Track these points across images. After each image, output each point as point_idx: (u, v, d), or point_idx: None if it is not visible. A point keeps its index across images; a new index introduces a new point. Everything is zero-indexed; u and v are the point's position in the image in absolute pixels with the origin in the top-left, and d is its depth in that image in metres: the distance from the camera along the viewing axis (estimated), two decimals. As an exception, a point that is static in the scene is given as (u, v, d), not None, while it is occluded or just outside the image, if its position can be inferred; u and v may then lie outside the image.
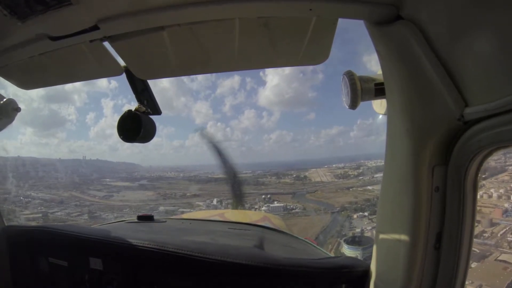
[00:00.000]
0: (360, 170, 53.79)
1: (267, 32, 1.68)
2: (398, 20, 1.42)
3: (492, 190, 26.96)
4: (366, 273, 2.05)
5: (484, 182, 26.94)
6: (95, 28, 1.60)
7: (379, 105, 1.98)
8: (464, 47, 1.23)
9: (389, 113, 1.70)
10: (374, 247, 1.95)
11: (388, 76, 1.63)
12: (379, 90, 1.82)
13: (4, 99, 2.61)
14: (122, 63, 2.08)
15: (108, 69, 2.15)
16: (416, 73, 1.41)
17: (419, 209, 1.53)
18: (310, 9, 1.46)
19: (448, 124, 1.40)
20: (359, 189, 50.71)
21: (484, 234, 23.45)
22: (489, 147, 1.33)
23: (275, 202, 49.70)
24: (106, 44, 1.83)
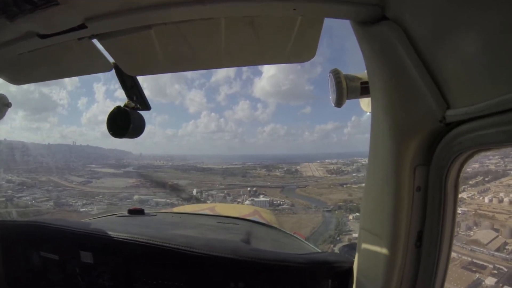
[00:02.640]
0: (354, 167, 52.65)
1: (253, 30, 1.72)
2: (383, 20, 1.45)
3: (501, 194, 25.90)
4: (351, 269, 2.11)
5: (488, 185, 26.45)
6: (83, 26, 1.63)
7: (367, 104, 2.01)
8: (447, 49, 1.26)
9: (373, 112, 1.73)
10: (358, 244, 2.00)
11: (372, 75, 1.67)
12: (365, 89, 1.85)
13: None
14: (111, 59, 2.10)
15: (97, 66, 2.18)
16: (400, 73, 1.44)
17: (400, 208, 1.57)
18: (294, 9, 1.49)
19: (430, 125, 1.43)
20: (353, 186, 49.21)
21: (507, 247, 22.18)
22: (470, 149, 1.35)
23: (261, 196, 48.50)
24: (95, 41, 1.86)
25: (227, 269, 2.29)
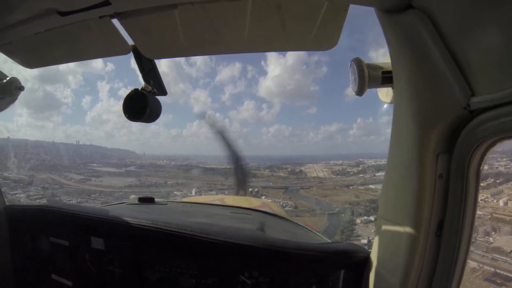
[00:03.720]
0: (360, 168, 51.81)
1: (279, 14, 1.73)
2: (409, 9, 1.47)
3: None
4: (366, 260, 2.14)
5: (500, 187, 25.98)
6: (106, 3, 1.61)
7: (385, 94, 2.05)
8: (473, 37, 1.28)
9: (396, 100, 1.77)
10: (376, 233, 2.03)
11: (397, 63, 1.70)
12: (386, 78, 1.87)
13: (8, 78, 2.63)
14: (130, 42, 2.10)
15: (115, 48, 2.18)
16: (424, 62, 1.47)
17: (422, 195, 1.60)
18: None
19: (454, 113, 1.45)
20: (360, 187, 48.08)
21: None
22: (493, 136, 1.38)
23: (263, 197, 45.70)
24: (115, 21, 1.85)
25: (242, 257, 2.30)
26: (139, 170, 58.50)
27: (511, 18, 1.12)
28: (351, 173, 52.74)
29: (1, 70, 2.66)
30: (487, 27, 1.22)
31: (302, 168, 57.86)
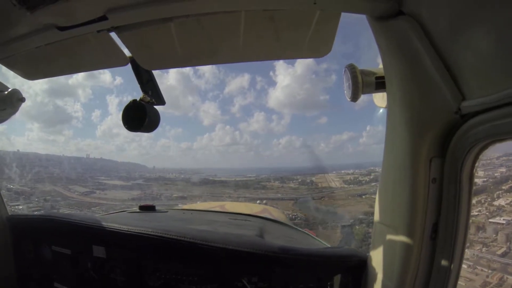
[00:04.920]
0: (372, 176, 49.92)
1: (272, 24, 1.79)
2: (400, 15, 1.53)
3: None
4: (364, 263, 2.19)
5: None
6: (103, 18, 1.69)
7: (380, 99, 2.10)
8: (463, 42, 1.33)
9: (389, 105, 1.82)
10: (372, 238, 2.08)
11: (389, 69, 1.75)
12: (380, 84, 1.94)
13: (9, 89, 2.72)
14: (128, 53, 2.18)
15: (113, 60, 2.25)
16: (416, 67, 1.53)
17: (416, 200, 1.64)
18: (315, 3, 1.56)
19: (445, 117, 1.51)
20: (373, 196, 44.34)
21: None
22: (485, 140, 1.43)
23: None
24: (113, 34, 1.93)
25: (242, 263, 2.34)
26: (146, 183, 58.43)
27: (500, 23, 1.17)
28: (363, 182, 51.47)
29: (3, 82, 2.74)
30: (477, 32, 1.26)
31: (313, 179, 57.05)
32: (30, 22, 1.79)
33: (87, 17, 1.70)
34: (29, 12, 1.60)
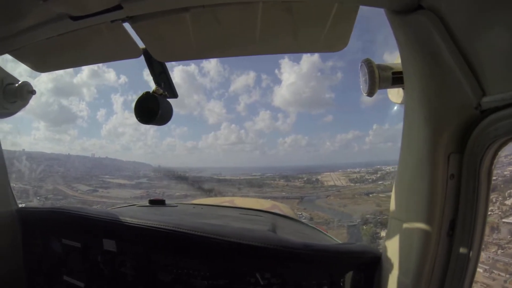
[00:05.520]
0: (378, 175, 50.19)
1: (290, 17, 1.79)
2: (419, 9, 1.52)
3: None
4: (377, 260, 2.19)
5: None
6: (118, 7, 1.68)
7: (396, 95, 2.10)
8: (483, 37, 1.33)
9: (407, 100, 1.82)
10: (387, 234, 2.07)
11: (407, 64, 1.74)
12: (396, 79, 1.93)
13: (19, 82, 2.75)
14: (141, 45, 2.17)
15: (126, 51, 2.25)
16: (435, 62, 1.52)
17: (434, 196, 1.64)
18: None
19: (465, 113, 1.51)
20: (381, 195, 45.36)
21: None
22: (505, 136, 1.42)
23: None
24: (126, 25, 1.93)
25: (254, 258, 2.33)
26: (149, 182, 58.61)
27: None
28: (370, 180, 51.09)
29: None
30: (497, 27, 1.26)
31: (319, 177, 56.88)
32: (42, 12, 1.78)
33: (101, 6, 1.69)
34: (42, 0, 1.59)
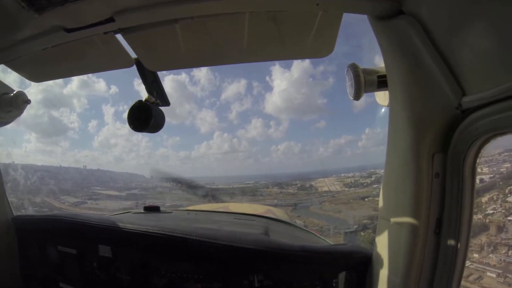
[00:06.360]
0: (373, 178, 48.90)
1: (275, 26, 1.86)
2: (400, 14, 1.60)
3: None
4: (369, 259, 2.25)
5: None
6: (110, 20, 1.75)
7: (383, 97, 2.17)
8: (462, 39, 1.40)
9: (391, 103, 1.90)
10: (377, 234, 2.13)
11: (390, 68, 1.82)
12: (381, 82, 2.00)
13: (15, 91, 2.79)
14: (133, 55, 2.23)
15: (119, 61, 2.32)
16: (417, 65, 1.60)
17: (420, 195, 1.71)
18: (317, 4, 1.64)
19: (447, 113, 1.59)
20: (376, 198, 41.55)
21: None
22: (486, 134, 1.50)
23: None
24: (119, 36, 2.00)
25: (247, 261, 2.38)
26: (140, 193, 58.01)
27: (497, 20, 1.23)
28: (365, 184, 50.44)
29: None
30: (475, 29, 1.33)
31: (313, 183, 56.28)
32: (38, 24, 1.84)
33: (94, 19, 1.76)
34: (37, 14, 1.66)
